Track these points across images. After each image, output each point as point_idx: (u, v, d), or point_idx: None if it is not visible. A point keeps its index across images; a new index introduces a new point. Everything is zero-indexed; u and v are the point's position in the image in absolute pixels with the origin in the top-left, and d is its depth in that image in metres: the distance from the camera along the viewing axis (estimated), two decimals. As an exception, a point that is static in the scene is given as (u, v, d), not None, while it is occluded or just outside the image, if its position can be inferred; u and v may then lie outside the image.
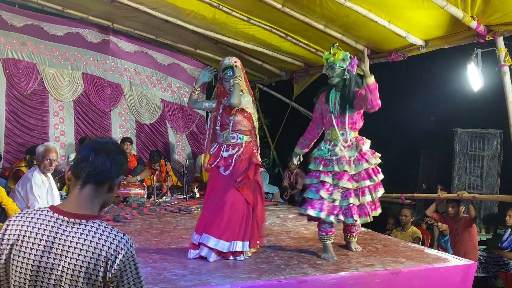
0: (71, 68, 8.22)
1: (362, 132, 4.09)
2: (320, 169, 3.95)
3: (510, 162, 7.58)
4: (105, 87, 8.48)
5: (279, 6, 5.59)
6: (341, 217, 3.88)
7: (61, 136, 8.18)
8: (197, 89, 4.16)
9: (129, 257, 1.58)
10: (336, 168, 3.89)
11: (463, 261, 3.90)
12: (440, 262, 3.81)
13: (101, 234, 1.58)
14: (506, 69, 4.80)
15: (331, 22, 5.83)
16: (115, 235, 1.59)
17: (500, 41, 4.82)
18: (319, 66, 6.98)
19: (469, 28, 4.86)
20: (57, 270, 1.55)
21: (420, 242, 5.70)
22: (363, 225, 5.15)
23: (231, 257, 3.83)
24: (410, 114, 10.59)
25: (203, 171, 8.38)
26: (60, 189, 6.65)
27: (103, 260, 1.54)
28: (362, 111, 3.97)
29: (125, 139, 7.85)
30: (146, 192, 6.95)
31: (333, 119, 3.97)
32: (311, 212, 3.86)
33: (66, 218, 1.61)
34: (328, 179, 3.89)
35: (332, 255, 3.92)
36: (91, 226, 1.59)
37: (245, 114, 4.05)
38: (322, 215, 3.85)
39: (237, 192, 3.89)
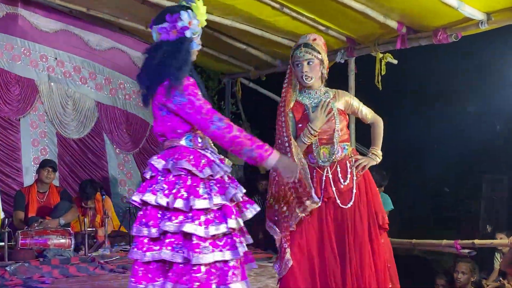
0: (-41, 56, 8.22)
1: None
2: None
3: None
4: (11, 84, 8.42)
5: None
6: None
7: None
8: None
9: None
10: None
11: None
12: None
13: None
14: None
15: (349, -13, 5.90)
16: None
17: None
18: (331, 52, 7.03)
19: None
20: None
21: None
22: None
23: None
24: (465, 122, 10.67)
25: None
26: None
27: None
28: None
29: (46, 163, 7.72)
30: (73, 242, 6.90)
31: None
32: None
33: None
34: None
35: None
36: None
37: (346, 116, 4.26)
38: None
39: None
